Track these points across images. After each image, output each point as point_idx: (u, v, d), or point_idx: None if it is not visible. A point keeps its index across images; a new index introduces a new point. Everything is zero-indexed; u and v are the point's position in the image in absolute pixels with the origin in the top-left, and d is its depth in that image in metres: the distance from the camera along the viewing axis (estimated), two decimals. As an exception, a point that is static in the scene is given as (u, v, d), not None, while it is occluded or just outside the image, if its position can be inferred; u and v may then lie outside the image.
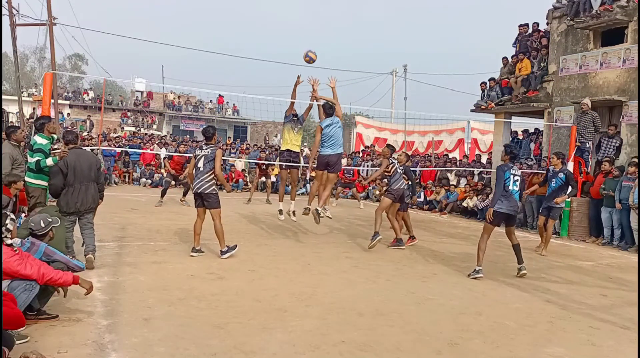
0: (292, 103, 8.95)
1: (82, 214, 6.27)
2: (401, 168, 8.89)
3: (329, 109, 8.31)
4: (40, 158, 6.26)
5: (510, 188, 6.80)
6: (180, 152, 13.89)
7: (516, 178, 6.86)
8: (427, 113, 29.94)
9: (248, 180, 19.55)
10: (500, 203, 6.79)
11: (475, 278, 6.68)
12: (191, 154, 11.59)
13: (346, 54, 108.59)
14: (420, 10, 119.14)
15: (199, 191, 7.09)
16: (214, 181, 7.12)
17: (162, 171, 13.70)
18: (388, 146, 9.19)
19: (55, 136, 6.92)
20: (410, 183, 9.20)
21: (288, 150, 9.04)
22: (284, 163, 9.09)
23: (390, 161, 8.73)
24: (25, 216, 5.92)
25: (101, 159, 17.26)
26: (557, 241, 10.70)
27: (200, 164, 7.10)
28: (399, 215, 9.05)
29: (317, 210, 8.14)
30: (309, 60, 8.64)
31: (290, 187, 9.82)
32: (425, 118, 27.29)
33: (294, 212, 9.02)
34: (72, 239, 6.33)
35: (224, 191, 7.33)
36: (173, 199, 13.23)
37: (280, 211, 9.17)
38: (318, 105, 8.73)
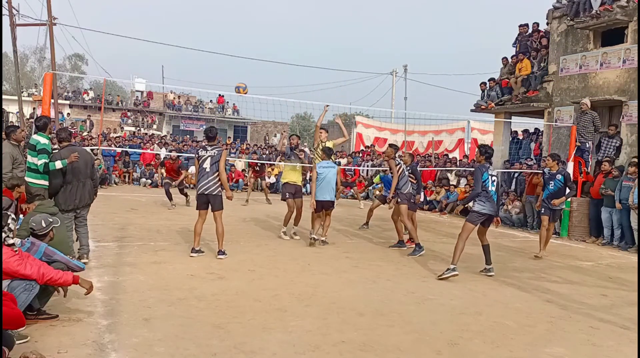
0: (283, 145, 9.49)
1: (79, 211, 6.39)
2: (408, 168, 8.82)
3: (327, 151, 8.68)
4: (45, 160, 6.25)
5: (490, 189, 6.80)
6: (172, 158, 13.38)
7: (493, 178, 6.88)
8: (427, 113, 29.94)
9: (247, 180, 19.57)
10: (482, 203, 6.77)
11: (445, 277, 6.53)
12: (191, 155, 11.52)
13: (346, 53, 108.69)
14: (420, 10, 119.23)
15: (205, 192, 7.08)
16: (220, 181, 7.13)
17: (162, 171, 13.46)
18: (391, 146, 9.04)
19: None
20: (417, 182, 9.05)
21: (289, 184, 9.07)
22: (290, 194, 9.07)
23: (397, 162, 8.62)
24: (26, 209, 5.91)
25: (101, 159, 17.30)
26: (557, 241, 10.70)
27: (207, 165, 7.08)
28: (412, 214, 8.90)
29: (322, 241, 8.55)
30: (242, 90, 9.29)
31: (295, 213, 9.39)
32: (425, 118, 27.33)
33: (295, 233, 9.13)
34: (72, 238, 6.37)
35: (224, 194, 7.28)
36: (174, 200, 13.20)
37: (285, 233, 9.11)
38: (316, 128, 9.29)
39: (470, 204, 7.06)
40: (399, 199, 8.57)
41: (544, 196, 9.01)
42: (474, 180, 6.98)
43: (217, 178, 7.10)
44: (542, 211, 9.04)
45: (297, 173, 9.15)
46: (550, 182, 8.88)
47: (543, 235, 8.88)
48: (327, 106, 9.24)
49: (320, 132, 9.21)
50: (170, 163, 13.13)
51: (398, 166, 8.57)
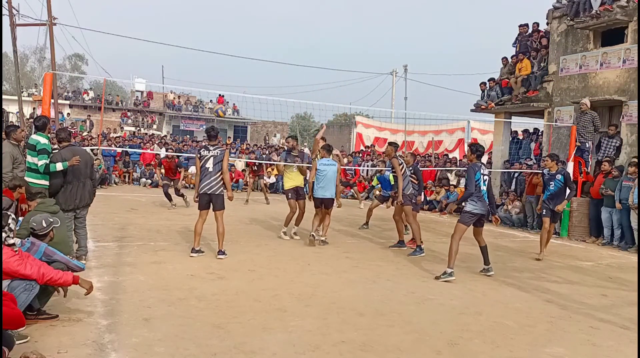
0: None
1: (79, 211, 6.42)
2: (410, 168, 8.75)
3: (328, 148, 8.74)
4: (45, 161, 6.24)
5: (482, 188, 6.77)
6: (168, 157, 13.20)
7: (485, 177, 6.84)
8: (427, 113, 30.01)
9: (247, 180, 19.57)
10: (474, 203, 6.74)
11: (447, 281, 6.49)
12: (192, 155, 11.41)
13: (346, 54, 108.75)
14: (420, 10, 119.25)
15: (208, 192, 7.09)
16: (222, 181, 7.15)
17: (162, 171, 13.30)
18: (391, 144, 8.92)
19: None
20: (418, 183, 8.93)
21: (294, 188, 9.11)
22: (293, 194, 9.10)
23: (400, 162, 8.52)
24: (25, 210, 5.92)
25: (101, 159, 17.28)
26: (557, 241, 10.69)
27: (210, 165, 7.10)
28: (414, 215, 8.85)
29: (322, 240, 8.55)
30: (221, 113, 9.44)
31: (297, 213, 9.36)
32: (425, 118, 27.39)
33: (295, 233, 9.14)
34: (73, 238, 6.38)
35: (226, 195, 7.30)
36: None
37: (285, 233, 9.12)
38: (316, 140, 9.29)
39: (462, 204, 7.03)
40: (402, 201, 8.51)
41: (545, 197, 8.89)
42: (467, 180, 6.90)
43: (220, 178, 7.13)
44: (544, 213, 8.86)
45: (296, 174, 9.13)
46: (551, 183, 8.75)
47: (544, 236, 8.74)
48: (323, 124, 10.07)
49: (318, 143, 9.20)
50: (167, 161, 13.00)
51: (400, 166, 8.49)
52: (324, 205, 8.56)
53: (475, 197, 6.74)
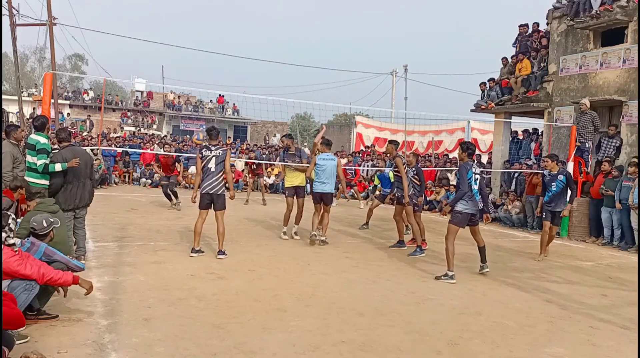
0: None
1: (79, 211, 6.44)
2: (413, 169, 8.71)
3: (327, 142, 8.79)
4: (45, 160, 6.23)
5: (473, 187, 6.74)
6: (165, 155, 13.10)
7: (476, 176, 6.80)
8: (427, 113, 30.03)
9: (247, 180, 19.56)
10: (465, 203, 6.69)
11: (449, 283, 6.45)
12: (192, 156, 11.36)
13: (346, 54, 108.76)
14: (420, 10, 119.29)
15: (210, 192, 7.10)
16: (224, 181, 7.16)
17: (161, 170, 13.15)
18: (391, 142, 8.86)
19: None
20: (420, 184, 8.83)
21: (293, 186, 9.12)
22: (291, 192, 9.11)
23: (403, 161, 8.47)
24: (25, 210, 5.91)
25: (101, 159, 17.27)
26: (557, 241, 10.66)
27: (212, 165, 7.11)
28: (418, 216, 8.73)
29: (322, 240, 8.54)
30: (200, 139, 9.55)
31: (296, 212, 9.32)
32: (425, 118, 27.37)
33: (295, 233, 9.12)
34: (73, 238, 6.38)
35: (228, 195, 7.32)
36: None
37: (284, 233, 9.10)
38: (315, 144, 9.25)
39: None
40: (403, 201, 8.48)
41: (546, 200, 8.65)
42: (459, 179, 6.82)
43: (222, 178, 7.14)
44: (544, 216, 8.67)
45: (296, 173, 9.12)
46: (552, 183, 8.53)
47: (544, 239, 8.62)
48: (323, 126, 10.14)
49: (317, 146, 9.18)
50: (165, 157, 12.86)
51: (403, 166, 8.44)
52: (323, 201, 8.53)
53: (467, 196, 6.70)
